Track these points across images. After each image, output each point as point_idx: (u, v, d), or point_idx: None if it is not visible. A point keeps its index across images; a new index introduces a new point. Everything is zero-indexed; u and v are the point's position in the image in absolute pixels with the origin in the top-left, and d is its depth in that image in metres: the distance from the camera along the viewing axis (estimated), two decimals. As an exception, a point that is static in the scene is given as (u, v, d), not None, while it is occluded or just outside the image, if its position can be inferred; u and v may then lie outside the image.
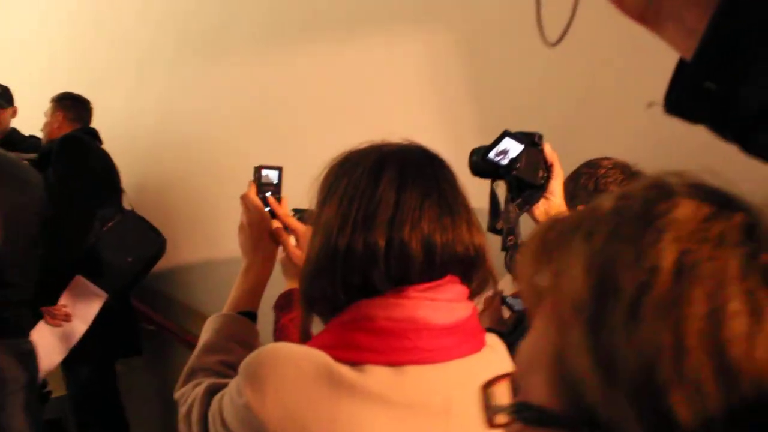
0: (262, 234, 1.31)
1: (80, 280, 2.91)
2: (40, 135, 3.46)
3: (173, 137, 3.51)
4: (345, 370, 0.89)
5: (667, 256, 0.42)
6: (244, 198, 1.35)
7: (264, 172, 1.45)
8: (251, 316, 1.25)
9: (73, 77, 4.11)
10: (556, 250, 0.48)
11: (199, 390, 1.04)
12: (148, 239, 3.15)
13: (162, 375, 3.45)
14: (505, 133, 1.25)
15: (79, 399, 3.18)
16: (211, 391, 1.02)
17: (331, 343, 0.92)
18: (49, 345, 2.84)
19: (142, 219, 3.19)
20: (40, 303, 2.84)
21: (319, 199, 1.01)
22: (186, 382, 1.12)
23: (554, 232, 0.50)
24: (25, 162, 2.67)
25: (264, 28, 3.01)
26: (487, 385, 0.53)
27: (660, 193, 0.46)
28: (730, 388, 0.40)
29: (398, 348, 0.90)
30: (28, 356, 2.53)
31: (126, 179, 3.35)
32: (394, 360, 0.90)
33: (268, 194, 1.41)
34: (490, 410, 0.52)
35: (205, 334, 1.20)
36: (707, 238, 0.43)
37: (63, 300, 2.86)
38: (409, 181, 0.94)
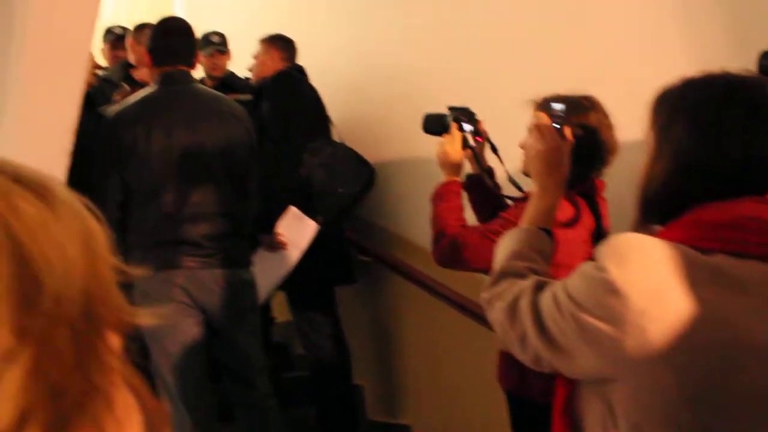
0: (558, 160, 1.40)
1: (293, 210, 3.02)
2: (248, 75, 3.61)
3: (376, 71, 3.51)
4: (702, 256, 0.99)
5: None
6: (541, 127, 1.45)
7: (554, 104, 1.59)
8: (547, 233, 1.34)
9: (269, 17, 4.25)
10: None
11: (526, 284, 1.13)
12: (358, 170, 3.19)
13: (379, 303, 3.52)
14: None
15: (301, 324, 3.34)
16: (539, 285, 1.11)
17: (679, 238, 1.02)
18: (267, 271, 2.98)
19: (351, 150, 3.23)
20: (258, 231, 2.99)
21: (663, 117, 1.10)
22: (496, 283, 1.21)
23: None
24: (229, 98, 2.79)
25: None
26: None
27: None
28: None
29: (742, 239, 1.00)
30: (249, 285, 2.68)
31: (333, 113, 3.41)
32: (741, 249, 1.00)
33: (557, 126, 1.51)
34: None
35: (510, 242, 1.29)
36: None
37: (278, 228, 2.97)
38: (759, 102, 1.06)
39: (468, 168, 2.18)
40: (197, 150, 2.51)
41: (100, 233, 0.45)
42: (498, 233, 1.68)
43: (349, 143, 3.33)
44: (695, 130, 1.07)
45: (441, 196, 2.08)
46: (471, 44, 2.88)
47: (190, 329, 2.53)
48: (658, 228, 1.10)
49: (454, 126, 2.14)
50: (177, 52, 2.59)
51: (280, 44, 3.52)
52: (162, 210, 2.48)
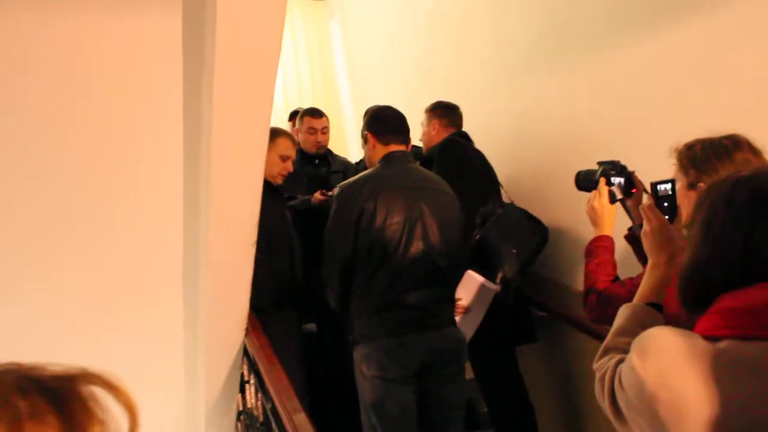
0: (663, 239, 1.52)
1: (470, 274, 3.09)
2: (419, 144, 3.77)
3: (536, 128, 3.57)
4: (705, 343, 1.08)
5: None
6: (646, 209, 1.57)
7: (660, 186, 1.72)
8: (657, 307, 1.44)
9: (426, 89, 4.40)
10: None
11: (611, 362, 1.27)
12: (530, 229, 3.23)
13: (559, 360, 3.51)
14: None
15: (483, 383, 3.38)
16: (618, 363, 1.24)
17: (705, 328, 1.11)
18: None
19: (522, 210, 3.29)
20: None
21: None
22: (602, 357, 1.35)
23: None
24: (438, 177, 2.98)
25: (614, 17, 2.91)
26: None
27: None
28: None
29: (752, 324, 1.06)
30: (464, 341, 2.87)
31: (499, 174, 3.48)
32: (746, 334, 1.06)
33: (665, 204, 1.67)
34: None
35: (618, 319, 1.43)
36: None
37: (458, 293, 3.07)
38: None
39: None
40: (420, 224, 2.72)
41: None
42: None
43: (518, 202, 3.39)
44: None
45: (590, 252, 2.12)
46: (632, 93, 2.89)
47: (407, 394, 2.67)
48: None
49: (602, 181, 2.16)
50: (393, 134, 2.87)
51: (441, 112, 3.65)
52: (387, 277, 2.68)
